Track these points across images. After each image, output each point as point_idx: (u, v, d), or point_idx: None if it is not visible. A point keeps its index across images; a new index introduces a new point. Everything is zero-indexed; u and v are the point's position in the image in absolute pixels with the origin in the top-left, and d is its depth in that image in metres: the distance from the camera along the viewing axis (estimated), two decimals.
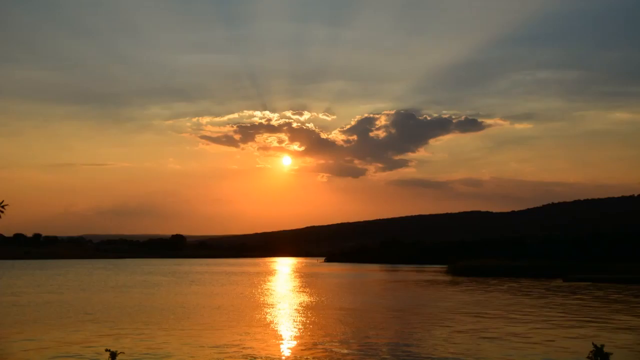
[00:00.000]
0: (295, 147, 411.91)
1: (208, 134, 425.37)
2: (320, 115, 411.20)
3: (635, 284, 61.73)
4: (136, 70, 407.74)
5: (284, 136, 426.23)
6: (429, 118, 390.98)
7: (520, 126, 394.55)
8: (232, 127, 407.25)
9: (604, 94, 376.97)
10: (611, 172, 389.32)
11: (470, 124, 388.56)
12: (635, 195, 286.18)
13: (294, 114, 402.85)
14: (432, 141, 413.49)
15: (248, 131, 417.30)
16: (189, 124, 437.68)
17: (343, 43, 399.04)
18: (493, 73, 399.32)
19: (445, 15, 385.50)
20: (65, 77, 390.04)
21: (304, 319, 31.45)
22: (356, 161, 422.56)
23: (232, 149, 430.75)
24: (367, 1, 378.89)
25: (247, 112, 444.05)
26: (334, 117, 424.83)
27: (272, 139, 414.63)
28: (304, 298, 45.24)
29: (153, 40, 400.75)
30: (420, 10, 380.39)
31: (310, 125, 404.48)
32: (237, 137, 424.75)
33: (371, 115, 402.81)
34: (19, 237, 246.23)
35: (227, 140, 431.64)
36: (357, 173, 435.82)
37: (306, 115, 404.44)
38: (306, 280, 71.34)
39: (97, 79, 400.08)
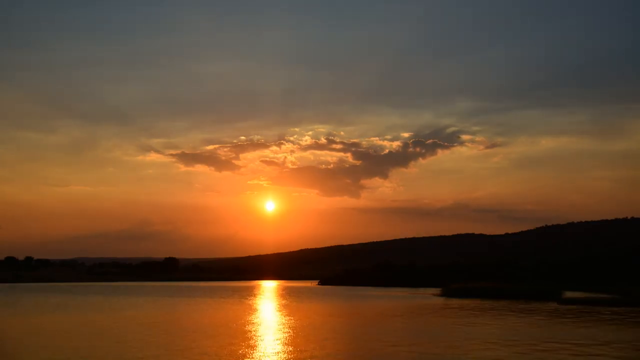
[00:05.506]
0: (289, 166, 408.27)
1: (196, 153, 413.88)
2: (316, 134, 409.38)
3: (630, 306, 61.64)
4: (118, 88, 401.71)
5: (277, 155, 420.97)
6: (425, 139, 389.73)
7: (516, 149, 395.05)
8: (224, 146, 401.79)
9: (598, 118, 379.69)
10: (604, 195, 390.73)
11: (464, 145, 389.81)
12: (628, 217, 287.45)
13: (288, 132, 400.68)
14: (426, 161, 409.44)
15: (240, 150, 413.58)
16: (175, 142, 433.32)
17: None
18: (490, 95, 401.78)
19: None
20: (44, 97, 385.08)
21: None
22: (351, 182, 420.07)
23: (224, 169, 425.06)
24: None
25: (239, 131, 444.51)
26: (330, 136, 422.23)
27: (265, 158, 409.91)
28: None
29: (122, 72, 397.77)
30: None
31: (305, 143, 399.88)
32: (228, 156, 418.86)
33: (367, 137, 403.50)
34: (10, 260, 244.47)
35: (217, 160, 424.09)
36: (351, 194, 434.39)
37: (301, 133, 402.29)
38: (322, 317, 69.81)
39: (78, 99, 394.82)
